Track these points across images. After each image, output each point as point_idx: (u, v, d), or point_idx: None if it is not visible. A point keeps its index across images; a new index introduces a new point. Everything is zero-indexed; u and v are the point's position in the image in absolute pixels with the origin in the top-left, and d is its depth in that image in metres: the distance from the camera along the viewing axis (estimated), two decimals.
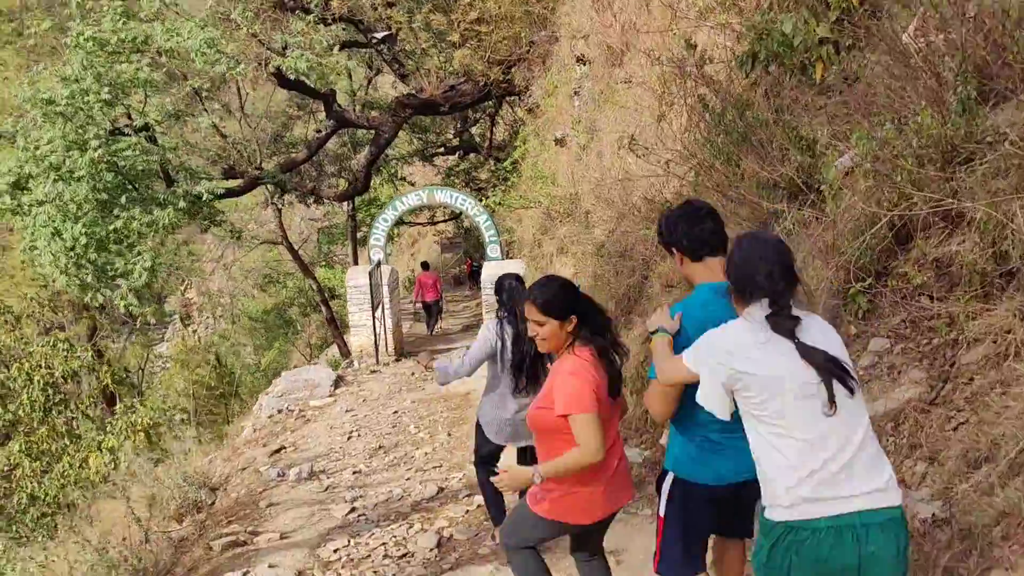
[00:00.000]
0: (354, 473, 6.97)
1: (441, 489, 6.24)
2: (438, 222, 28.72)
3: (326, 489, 6.59)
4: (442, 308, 18.69)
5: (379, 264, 13.30)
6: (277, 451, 8.06)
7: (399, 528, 5.47)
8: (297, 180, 18.11)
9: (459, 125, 23.17)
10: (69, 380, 11.69)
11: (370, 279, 12.45)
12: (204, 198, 12.31)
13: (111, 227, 11.37)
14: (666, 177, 7.75)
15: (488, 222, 13.87)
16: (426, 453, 7.40)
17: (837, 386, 2.18)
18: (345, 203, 21.66)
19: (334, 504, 6.14)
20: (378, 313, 12.90)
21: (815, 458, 2.16)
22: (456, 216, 26.29)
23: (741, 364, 2.26)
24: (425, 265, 20.50)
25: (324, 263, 28.64)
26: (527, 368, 4.14)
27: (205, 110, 15.65)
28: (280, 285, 28.08)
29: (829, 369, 2.18)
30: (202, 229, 14.11)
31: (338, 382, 11.30)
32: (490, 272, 13.38)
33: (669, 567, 2.87)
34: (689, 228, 2.76)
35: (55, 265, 11.13)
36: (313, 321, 27.54)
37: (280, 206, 21.89)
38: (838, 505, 2.14)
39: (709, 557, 3.05)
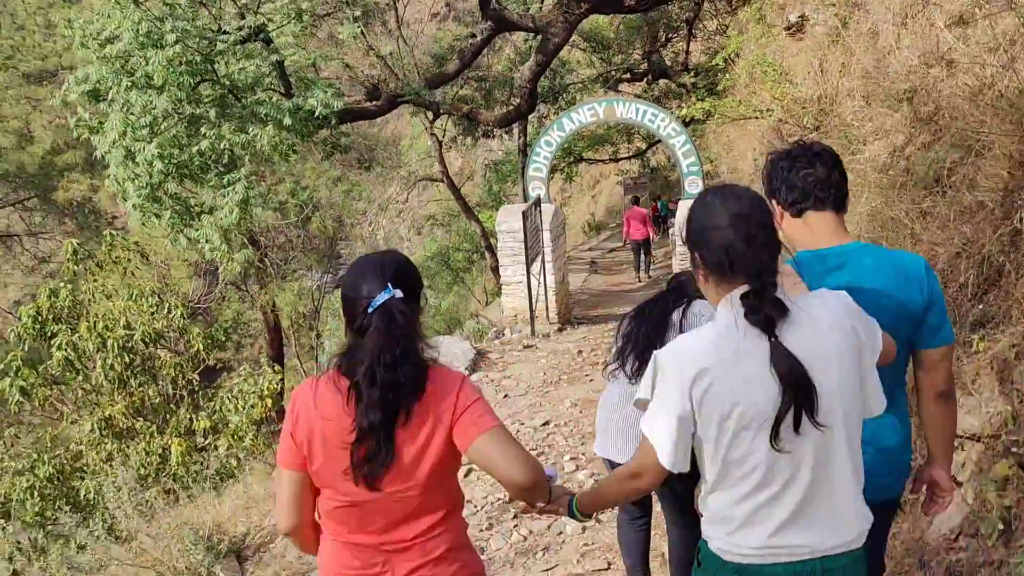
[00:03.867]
0: None
1: None
2: (621, 159, 25.08)
3: None
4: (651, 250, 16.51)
5: (538, 202, 9.98)
6: None
7: None
8: (452, 105, 15.18)
9: (647, 45, 19.52)
10: (151, 344, 9.41)
11: (524, 221, 9.11)
12: (317, 114, 9.51)
13: (195, 148, 8.80)
14: None
15: (687, 146, 10.12)
16: (585, 528, 4.16)
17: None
18: (517, 136, 18.72)
19: None
20: (535, 268, 9.63)
21: (779, 500, 1.65)
22: (642, 153, 22.70)
23: (703, 382, 1.62)
24: (636, 200, 18.57)
25: (495, 204, 25.93)
26: None
27: (351, 19, 12.91)
28: (446, 228, 25.67)
29: (793, 388, 1.58)
30: (323, 155, 11.38)
31: (477, 361, 8.25)
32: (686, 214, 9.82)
33: None
34: (789, 171, 1.95)
35: (126, 196, 8.73)
36: (486, 267, 25.24)
37: (441, 138, 19.25)
38: (800, 551, 1.67)
39: None
